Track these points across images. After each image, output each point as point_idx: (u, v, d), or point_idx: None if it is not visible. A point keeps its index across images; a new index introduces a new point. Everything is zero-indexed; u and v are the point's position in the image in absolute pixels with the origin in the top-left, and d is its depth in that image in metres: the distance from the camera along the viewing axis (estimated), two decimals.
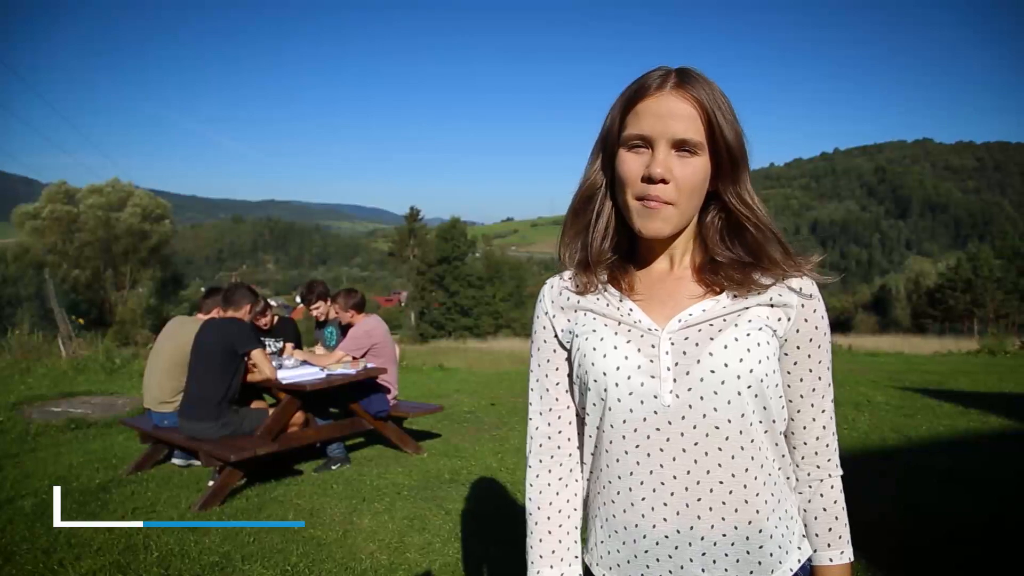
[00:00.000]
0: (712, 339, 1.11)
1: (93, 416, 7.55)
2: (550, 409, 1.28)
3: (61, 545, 3.72)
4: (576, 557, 1.26)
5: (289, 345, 6.47)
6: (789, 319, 1.15)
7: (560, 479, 1.27)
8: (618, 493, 1.18)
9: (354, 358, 5.66)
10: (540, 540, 1.25)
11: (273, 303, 7.58)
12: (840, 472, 1.25)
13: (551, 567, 1.24)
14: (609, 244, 1.22)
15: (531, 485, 1.29)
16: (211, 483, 4.72)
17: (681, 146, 1.09)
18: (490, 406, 8.64)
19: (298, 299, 6.96)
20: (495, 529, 4.07)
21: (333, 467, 5.45)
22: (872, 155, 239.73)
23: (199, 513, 4.33)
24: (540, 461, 1.28)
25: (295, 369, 5.45)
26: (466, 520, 4.23)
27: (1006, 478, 4.91)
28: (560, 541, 1.25)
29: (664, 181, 1.08)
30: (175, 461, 5.52)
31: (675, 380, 1.11)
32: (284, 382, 5.10)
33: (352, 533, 4.03)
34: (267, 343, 6.33)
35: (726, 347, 1.10)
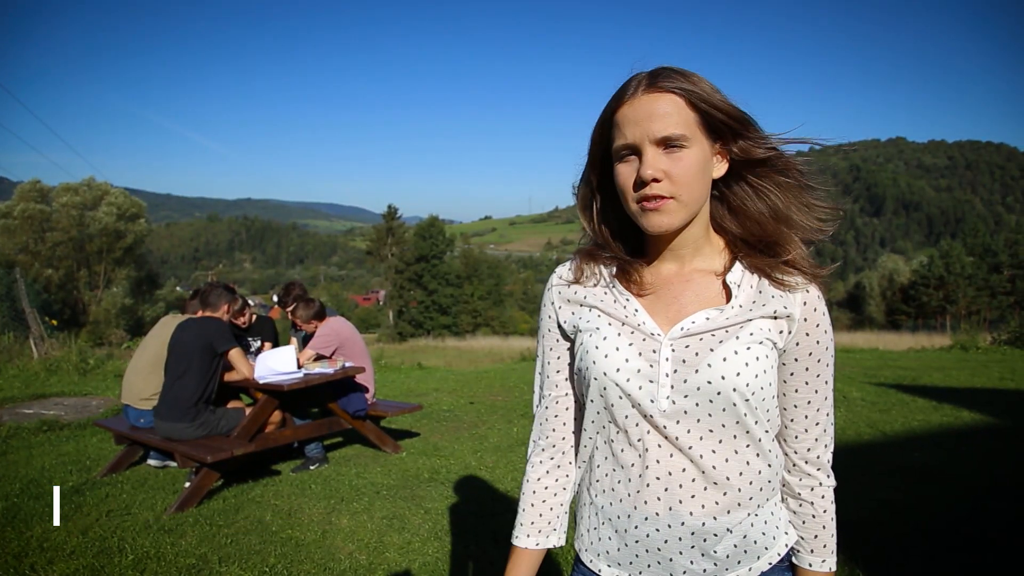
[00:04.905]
0: (712, 350, 1.13)
1: (66, 418, 7.45)
2: (551, 395, 1.32)
3: (33, 549, 3.67)
4: (555, 530, 1.34)
5: (267, 344, 6.43)
6: (791, 332, 1.16)
7: (552, 459, 1.33)
8: (612, 484, 1.21)
9: (328, 357, 5.64)
10: (524, 511, 1.34)
11: (251, 302, 7.52)
12: (832, 483, 1.26)
13: (528, 536, 1.32)
14: (619, 244, 1.26)
15: (528, 463, 1.36)
16: (187, 484, 4.68)
17: (667, 143, 1.09)
18: (469, 404, 8.63)
19: (275, 298, 6.92)
20: (475, 527, 4.06)
21: (311, 467, 5.42)
22: (847, 153, 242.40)
23: (174, 515, 4.29)
24: (536, 441, 1.35)
25: (272, 363, 5.37)
26: (446, 519, 4.22)
27: (978, 471, 4.98)
28: (541, 515, 1.32)
29: (656, 180, 1.09)
30: (151, 462, 5.46)
31: (672, 387, 1.13)
32: (261, 382, 5.06)
33: (331, 533, 4.00)
34: (247, 341, 6.30)
35: (725, 359, 1.11)
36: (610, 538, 1.22)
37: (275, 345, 6.53)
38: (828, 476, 1.25)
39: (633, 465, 1.17)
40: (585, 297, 1.25)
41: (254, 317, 6.51)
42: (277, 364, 5.35)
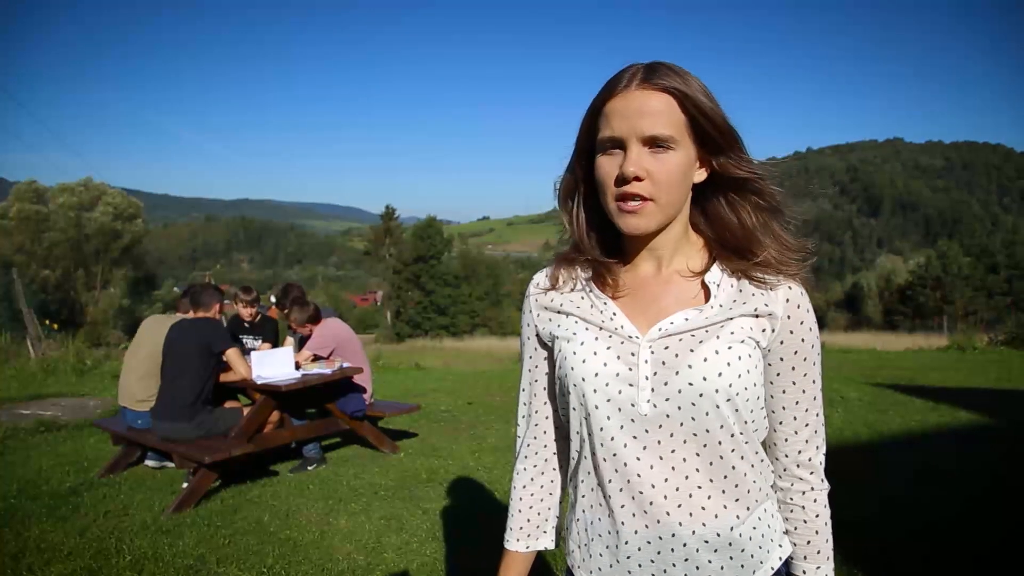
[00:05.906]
0: (692, 351, 1.09)
1: (64, 418, 7.44)
2: (532, 405, 1.31)
3: (31, 550, 3.66)
4: (545, 532, 1.33)
5: (266, 344, 6.42)
6: (774, 330, 1.13)
7: (535, 466, 1.33)
8: (599, 498, 1.18)
9: (326, 358, 5.63)
10: (512, 516, 1.34)
11: None
12: (825, 487, 1.22)
13: (518, 540, 1.32)
14: (596, 240, 1.22)
15: (513, 470, 1.36)
16: (185, 485, 4.67)
17: (653, 143, 1.06)
18: (467, 405, 8.63)
19: (272, 299, 6.92)
20: (473, 528, 4.06)
21: (309, 467, 5.41)
22: (844, 154, 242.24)
23: (172, 516, 4.28)
24: (522, 449, 1.34)
25: (269, 365, 5.36)
26: (444, 520, 4.22)
27: (975, 471, 4.99)
28: (529, 520, 1.32)
29: (638, 179, 1.06)
30: (148, 463, 5.46)
31: (653, 390, 1.10)
32: (259, 382, 5.05)
33: (329, 534, 4.00)
34: (246, 341, 6.30)
35: (705, 360, 1.08)
36: (601, 554, 1.19)
37: (274, 345, 6.53)
38: (821, 480, 1.22)
39: (617, 477, 1.14)
40: (562, 304, 1.22)
41: (258, 316, 6.52)
42: (275, 366, 5.33)
